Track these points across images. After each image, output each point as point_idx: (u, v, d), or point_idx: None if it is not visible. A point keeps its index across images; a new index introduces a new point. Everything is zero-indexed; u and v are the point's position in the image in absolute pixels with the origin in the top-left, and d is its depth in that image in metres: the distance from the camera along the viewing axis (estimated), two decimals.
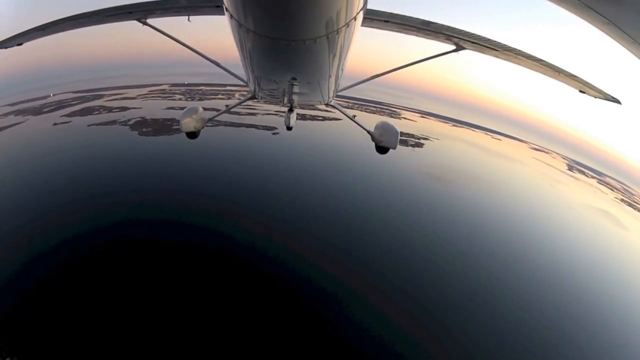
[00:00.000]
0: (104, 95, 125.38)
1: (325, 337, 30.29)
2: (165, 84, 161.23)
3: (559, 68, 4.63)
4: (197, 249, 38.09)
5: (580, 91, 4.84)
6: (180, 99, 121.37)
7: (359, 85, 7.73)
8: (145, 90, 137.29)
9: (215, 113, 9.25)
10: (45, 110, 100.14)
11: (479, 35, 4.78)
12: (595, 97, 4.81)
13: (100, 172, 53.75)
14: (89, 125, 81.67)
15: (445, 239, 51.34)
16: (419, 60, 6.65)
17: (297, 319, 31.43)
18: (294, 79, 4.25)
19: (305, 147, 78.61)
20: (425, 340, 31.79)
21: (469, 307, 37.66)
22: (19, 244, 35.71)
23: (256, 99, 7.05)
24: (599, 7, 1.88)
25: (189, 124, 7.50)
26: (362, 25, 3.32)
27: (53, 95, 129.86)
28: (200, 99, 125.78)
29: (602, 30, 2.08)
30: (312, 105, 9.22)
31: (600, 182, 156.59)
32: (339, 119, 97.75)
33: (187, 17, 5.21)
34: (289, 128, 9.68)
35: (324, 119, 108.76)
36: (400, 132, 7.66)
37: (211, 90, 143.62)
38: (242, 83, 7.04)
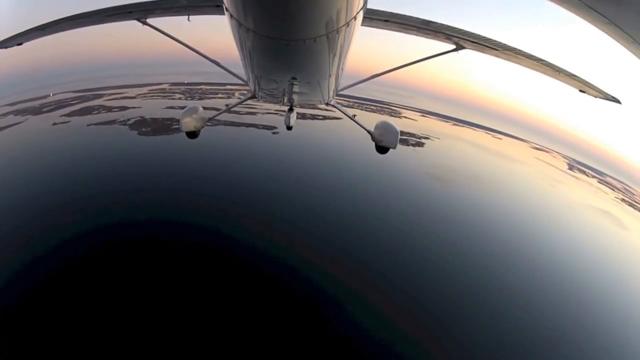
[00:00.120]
0: (104, 94, 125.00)
1: (325, 337, 30.23)
2: (165, 83, 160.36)
3: (559, 68, 4.63)
4: (196, 248, 38.02)
5: (581, 91, 4.85)
6: (180, 98, 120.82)
7: (359, 85, 7.74)
8: (145, 90, 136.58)
9: (215, 112, 9.26)
10: (45, 110, 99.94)
11: (479, 35, 4.79)
12: (596, 97, 4.81)
13: (100, 172, 53.64)
14: (88, 125, 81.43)
15: (445, 238, 51.25)
16: (419, 59, 6.67)
17: (297, 319, 31.36)
18: (294, 78, 4.25)
19: (305, 146, 78.37)
20: (425, 340, 31.71)
21: (469, 307, 37.61)
22: (18, 244, 35.63)
23: (256, 98, 7.05)
24: (599, 6, 1.88)
25: (189, 123, 7.50)
26: (362, 25, 3.31)
27: (53, 94, 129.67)
28: (200, 98, 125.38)
29: (602, 30, 2.08)
30: (313, 105, 9.22)
31: (601, 181, 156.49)
32: (339, 118, 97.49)
33: (187, 16, 5.22)
34: (289, 127, 9.67)
35: (324, 118, 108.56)
36: (401, 131, 7.69)
37: (211, 89, 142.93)
38: (241, 82, 7.04)
